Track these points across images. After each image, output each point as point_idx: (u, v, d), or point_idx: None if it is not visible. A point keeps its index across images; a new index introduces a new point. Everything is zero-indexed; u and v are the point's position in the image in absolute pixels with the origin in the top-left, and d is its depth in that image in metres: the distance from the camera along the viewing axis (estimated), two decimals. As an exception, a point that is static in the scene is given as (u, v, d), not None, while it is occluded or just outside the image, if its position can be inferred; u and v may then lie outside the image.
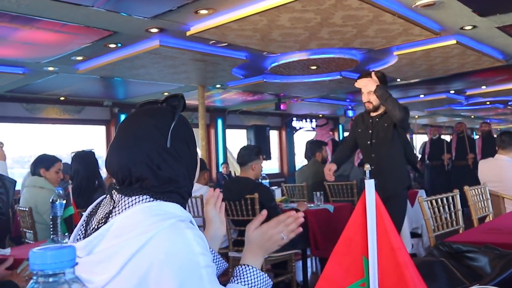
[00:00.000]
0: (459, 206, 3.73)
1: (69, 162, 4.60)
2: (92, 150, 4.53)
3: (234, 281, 1.37)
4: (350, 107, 13.23)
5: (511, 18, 5.36)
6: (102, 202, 1.34)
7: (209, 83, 8.60)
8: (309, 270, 5.37)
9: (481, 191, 4.29)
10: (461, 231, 3.62)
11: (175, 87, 8.67)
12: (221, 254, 1.68)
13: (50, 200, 3.15)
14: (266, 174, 5.16)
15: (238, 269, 1.40)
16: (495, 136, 11.40)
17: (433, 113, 15.80)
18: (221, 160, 12.25)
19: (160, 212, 1.18)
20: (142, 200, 1.21)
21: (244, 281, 1.37)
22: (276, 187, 6.32)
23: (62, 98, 9.42)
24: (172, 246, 1.12)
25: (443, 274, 1.76)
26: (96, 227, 1.24)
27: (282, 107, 11.29)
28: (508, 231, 2.90)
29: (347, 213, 5.13)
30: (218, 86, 8.95)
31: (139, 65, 6.74)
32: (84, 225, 1.32)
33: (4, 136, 8.75)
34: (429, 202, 3.56)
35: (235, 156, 7.63)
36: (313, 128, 14.10)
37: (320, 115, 14.70)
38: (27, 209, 4.10)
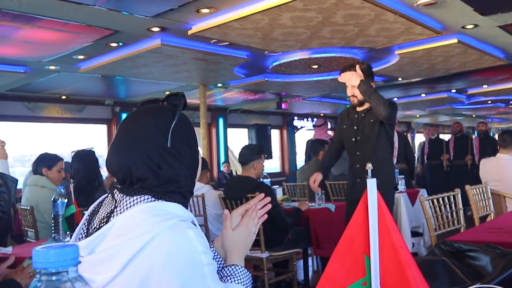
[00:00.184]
0: (460, 205, 3.72)
1: (70, 161, 4.61)
2: (92, 149, 4.52)
3: (229, 280, 1.38)
4: (351, 106, 13.19)
5: (513, 17, 5.36)
6: (104, 201, 1.33)
7: (211, 82, 8.60)
8: (310, 269, 5.36)
9: (482, 190, 4.29)
10: (462, 230, 3.62)
11: (176, 86, 8.68)
12: None
13: (52, 199, 3.16)
14: (267, 173, 5.15)
15: (230, 269, 1.41)
16: (492, 136, 11.44)
17: (434, 112, 15.80)
18: (222, 159, 12.25)
19: (162, 212, 1.18)
20: (144, 200, 1.21)
21: (239, 280, 1.38)
22: (277, 186, 6.31)
23: (63, 97, 9.42)
24: (174, 246, 1.12)
25: (444, 273, 1.76)
26: (98, 226, 1.24)
27: (283, 106, 11.29)
28: (509, 230, 2.90)
29: (348, 212, 5.13)
30: (219, 85, 8.95)
31: (140, 64, 6.75)
32: (86, 224, 1.32)
33: (5, 135, 8.76)
34: (430, 201, 3.56)
35: (236, 155, 7.64)
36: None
37: (322, 114, 14.70)
38: (28, 207, 4.10)
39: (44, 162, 4.36)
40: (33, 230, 4.12)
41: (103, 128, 10.80)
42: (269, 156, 12.42)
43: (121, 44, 5.84)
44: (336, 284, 1.11)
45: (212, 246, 1.53)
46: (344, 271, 1.10)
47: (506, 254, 1.85)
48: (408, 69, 7.99)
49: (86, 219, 1.33)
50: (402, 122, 17.79)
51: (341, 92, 10.45)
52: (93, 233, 1.20)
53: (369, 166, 1.09)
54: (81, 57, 6.30)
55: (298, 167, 11.21)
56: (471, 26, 5.67)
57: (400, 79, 8.96)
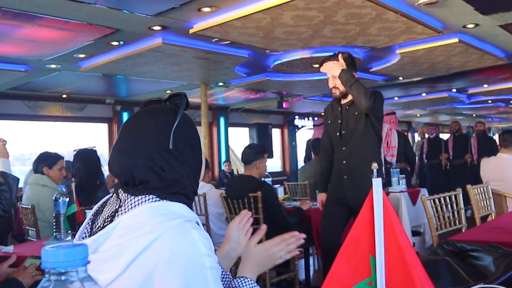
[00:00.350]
0: (461, 204, 3.73)
1: (71, 160, 4.61)
2: (94, 148, 4.53)
3: None
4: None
5: (514, 17, 5.36)
6: (109, 201, 1.33)
7: (212, 81, 8.60)
8: (311, 268, 5.37)
9: (483, 190, 4.29)
10: (463, 230, 3.62)
11: (177, 85, 8.68)
12: None
13: (53, 198, 3.16)
14: (268, 173, 5.15)
15: (239, 281, 1.40)
16: (490, 135, 11.45)
17: (435, 112, 15.81)
18: (223, 158, 12.25)
19: (166, 212, 1.17)
20: (148, 199, 1.21)
21: None
22: (278, 185, 6.31)
23: (64, 96, 9.41)
24: (178, 246, 1.11)
25: (447, 273, 1.76)
26: (102, 225, 1.24)
27: (284, 105, 11.28)
28: (511, 230, 2.90)
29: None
30: (220, 84, 8.95)
31: (141, 62, 6.74)
32: (90, 223, 1.32)
33: (5, 134, 8.76)
34: (431, 200, 3.56)
35: (238, 154, 7.62)
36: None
37: (322, 114, 14.69)
38: (29, 206, 4.10)
39: (45, 161, 4.36)
40: (34, 229, 4.13)
41: (104, 127, 10.79)
42: (270, 155, 12.42)
43: (122, 42, 5.83)
44: (341, 283, 1.11)
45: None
46: (350, 270, 1.10)
47: (509, 254, 1.85)
48: (409, 69, 7.99)
49: (90, 219, 1.32)
50: (402, 122, 17.81)
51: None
52: (97, 232, 1.19)
53: (374, 166, 1.09)
54: (82, 55, 6.30)
55: (299, 166, 11.21)
56: (472, 26, 5.67)
57: (401, 78, 8.97)
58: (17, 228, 5.25)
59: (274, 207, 4.33)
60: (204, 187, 4.87)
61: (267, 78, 8.40)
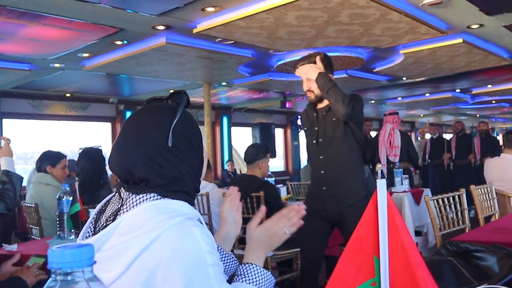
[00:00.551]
0: (465, 205, 3.72)
1: (75, 159, 4.61)
2: (100, 147, 4.53)
3: (239, 279, 1.35)
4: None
5: (518, 17, 5.35)
6: (111, 200, 1.33)
7: (215, 81, 8.61)
8: (314, 268, 5.35)
9: (487, 190, 4.28)
10: (467, 231, 3.61)
11: (181, 85, 8.68)
12: None
13: (57, 197, 3.17)
14: (271, 172, 5.15)
15: (243, 267, 1.39)
16: (493, 135, 11.41)
17: (438, 112, 15.78)
18: (226, 158, 12.26)
19: (168, 210, 1.18)
20: (150, 198, 1.21)
21: (250, 280, 1.35)
22: (281, 185, 6.30)
23: (68, 95, 9.44)
24: (180, 244, 1.12)
25: (451, 273, 1.76)
26: (104, 224, 1.24)
27: (287, 105, 11.28)
28: (515, 230, 2.90)
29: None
30: (224, 83, 8.96)
31: (145, 62, 6.75)
32: (93, 222, 1.32)
33: (9, 132, 8.79)
34: (435, 201, 3.56)
35: (240, 153, 7.62)
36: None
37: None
38: (33, 205, 4.11)
39: (48, 160, 4.37)
40: (37, 228, 4.13)
41: (107, 126, 10.81)
42: (273, 155, 12.41)
43: (126, 42, 5.84)
44: (345, 284, 1.11)
45: (219, 248, 1.53)
46: (354, 271, 1.10)
47: (513, 255, 1.85)
48: (412, 69, 7.98)
49: (93, 218, 1.33)
50: (406, 122, 17.79)
51: (346, 91, 10.42)
52: (99, 231, 1.20)
53: (379, 167, 1.09)
54: (85, 55, 6.31)
55: (302, 166, 11.20)
56: (476, 26, 5.66)
57: (404, 78, 8.96)
58: (20, 227, 5.27)
59: (276, 207, 4.32)
60: (207, 187, 4.87)
61: (270, 78, 8.40)
